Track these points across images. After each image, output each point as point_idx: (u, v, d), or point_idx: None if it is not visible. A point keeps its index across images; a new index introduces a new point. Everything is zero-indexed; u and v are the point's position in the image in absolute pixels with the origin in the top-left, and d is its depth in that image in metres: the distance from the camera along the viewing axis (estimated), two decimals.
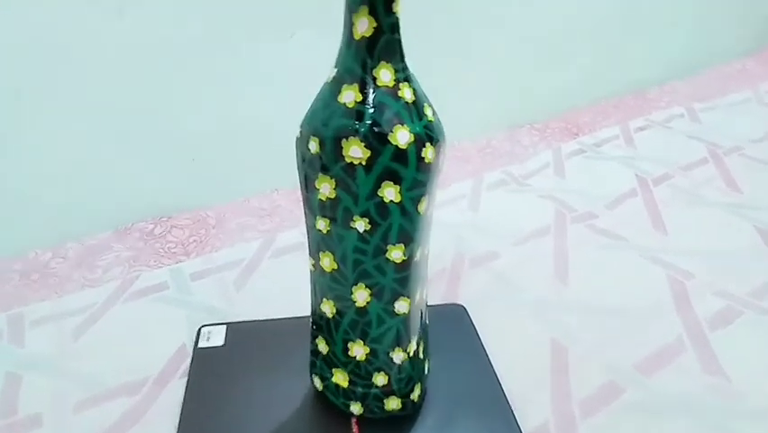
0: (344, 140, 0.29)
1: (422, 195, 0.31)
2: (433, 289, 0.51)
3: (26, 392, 0.42)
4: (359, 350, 0.36)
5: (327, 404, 0.39)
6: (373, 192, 0.30)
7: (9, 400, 0.42)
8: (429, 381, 0.40)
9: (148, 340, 0.46)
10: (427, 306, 0.38)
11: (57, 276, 0.54)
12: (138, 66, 0.57)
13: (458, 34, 0.74)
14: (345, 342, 0.36)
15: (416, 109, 0.30)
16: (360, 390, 0.37)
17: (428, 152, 0.30)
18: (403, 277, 0.33)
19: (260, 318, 0.47)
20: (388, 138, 0.29)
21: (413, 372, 0.37)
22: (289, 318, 0.47)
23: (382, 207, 0.31)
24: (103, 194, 0.61)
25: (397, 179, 0.30)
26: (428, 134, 0.30)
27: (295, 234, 0.59)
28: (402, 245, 0.32)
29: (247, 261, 0.55)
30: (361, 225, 0.31)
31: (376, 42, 0.28)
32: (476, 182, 0.67)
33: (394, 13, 0.28)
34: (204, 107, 0.62)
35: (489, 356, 0.44)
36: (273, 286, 0.52)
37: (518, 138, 0.79)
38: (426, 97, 0.31)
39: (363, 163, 0.29)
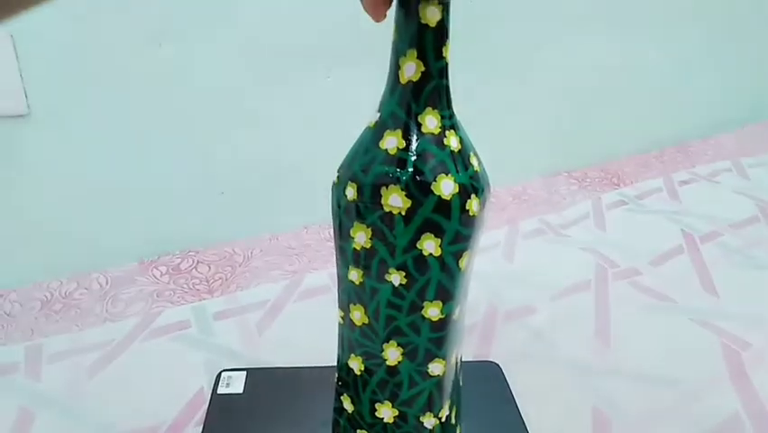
0: (384, 188, 0.28)
1: (464, 250, 0.29)
2: (464, 343, 0.48)
3: (37, 431, 0.40)
4: (387, 412, 0.33)
5: None
6: (412, 244, 0.28)
7: None
8: None
9: (165, 382, 0.44)
10: (462, 365, 0.35)
11: (79, 308, 0.53)
12: (171, 98, 0.57)
13: (496, 78, 0.73)
14: (373, 402, 0.33)
15: (461, 158, 0.28)
16: None
17: (473, 205, 0.28)
18: (439, 337, 0.31)
19: (283, 366, 0.45)
20: (431, 188, 0.27)
21: None
22: (313, 367, 0.44)
23: (421, 260, 0.29)
24: (131, 224, 0.61)
25: (438, 232, 0.28)
26: (474, 185, 0.28)
27: (323, 276, 0.57)
28: (440, 303, 0.30)
29: (272, 302, 0.53)
30: (396, 278, 0.29)
31: (423, 87, 0.27)
32: (511, 230, 0.65)
33: (444, 57, 0.27)
34: (236, 142, 0.62)
35: (525, 422, 0.40)
36: (298, 331, 0.50)
37: (555, 186, 0.76)
38: (473, 146, 0.29)
39: (403, 213, 0.28)
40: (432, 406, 0.32)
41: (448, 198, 0.27)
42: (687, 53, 0.88)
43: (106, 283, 0.56)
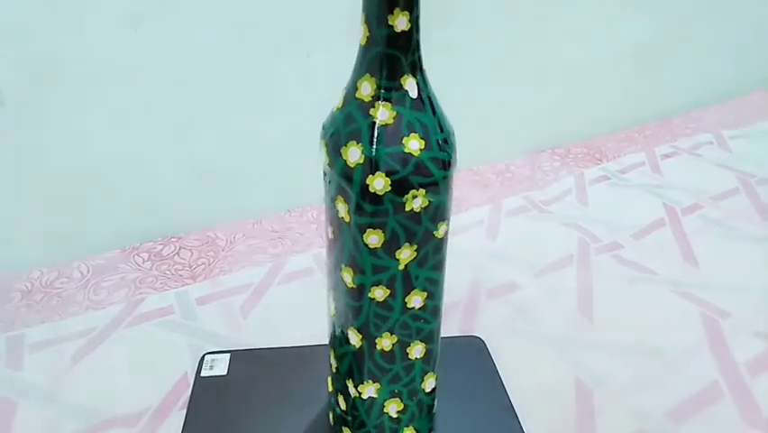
0: (321, 140, 0.30)
1: (367, 225, 0.28)
2: (448, 320, 0.49)
3: (20, 421, 0.40)
4: (333, 361, 0.35)
5: None
6: (332, 202, 0.29)
7: (2, 428, 0.40)
8: (443, 417, 0.37)
9: (149, 368, 0.44)
10: (420, 367, 0.33)
11: (60, 297, 0.52)
12: (149, 81, 0.56)
13: (480, 57, 0.72)
14: (329, 348, 0.35)
15: (385, 134, 0.27)
16: (332, 401, 0.36)
17: (375, 182, 0.27)
18: (355, 307, 0.30)
19: (266, 347, 0.45)
20: (341, 150, 0.28)
21: (367, 418, 0.34)
22: (297, 347, 0.45)
23: (336, 221, 0.30)
24: (112, 212, 0.60)
25: (345, 197, 0.28)
26: (387, 165, 0.27)
27: (306, 258, 0.56)
28: (351, 270, 0.30)
29: (255, 285, 0.53)
30: (329, 231, 0.31)
31: (366, 53, 0.27)
32: (494, 208, 0.65)
33: (391, 26, 0.26)
34: (217, 125, 0.61)
35: (509, 393, 0.41)
36: (281, 313, 0.50)
37: (539, 163, 0.76)
38: (426, 130, 0.27)
39: (329, 169, 0.29)
40: (351, 374, 0.33)
41: (352, 166, 0.27)
42: (669, 28, 0.88)
43: (88, 272, 0.55)
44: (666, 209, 0.64)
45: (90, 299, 0.52)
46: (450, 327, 0.48)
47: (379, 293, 0.30)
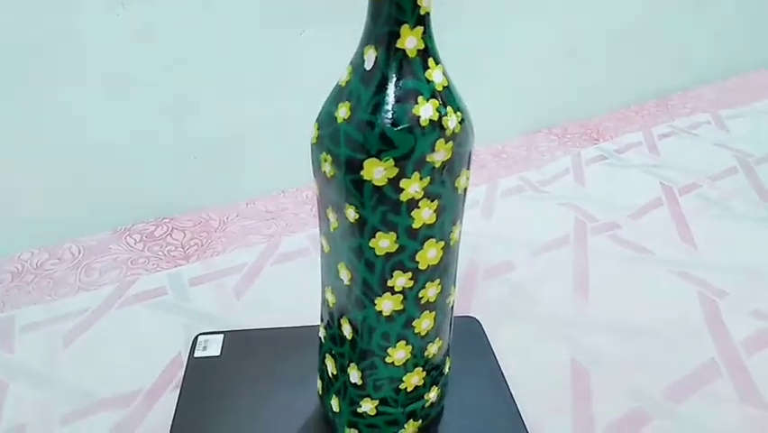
0: None
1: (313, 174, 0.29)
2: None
3: (12, 401, 0.40)
4: None
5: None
6: None
7: None
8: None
9: (142, 348, 0.44)
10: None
11: (51, 278, 0.52)
12: (140, 61, 0.55)
13: (475, 35, 0.71)
14: None
15: (335, 93, 0.28)
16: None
17: (312, 130, 0.28)
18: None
19: (260, 327, 0.45)
20: None
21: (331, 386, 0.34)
22: (291, 328, 0.44)
23: None
24: (103, 193, 0.59)
25: None
26: (320, 120, 0.28)
27: (300, 238, 0.56)
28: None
29: (249, 266, 0.52)
30: None
31: None
32: (490, 188, 0.64)
33: None
34: (209, 105, 0.60)
35: (504, 373, 0.40)
36: (275, 294, 0.49)
37: (535, 143, 0.76)
38: (357, 104, 0.26)
39: None
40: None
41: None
42: (666, 6, 0.86)
43: (79, 253, 0.55)
44: (663, 189, 0.64)
45: (82, 280, 0.51)
46: None
47: (324, 243, 0.30)
